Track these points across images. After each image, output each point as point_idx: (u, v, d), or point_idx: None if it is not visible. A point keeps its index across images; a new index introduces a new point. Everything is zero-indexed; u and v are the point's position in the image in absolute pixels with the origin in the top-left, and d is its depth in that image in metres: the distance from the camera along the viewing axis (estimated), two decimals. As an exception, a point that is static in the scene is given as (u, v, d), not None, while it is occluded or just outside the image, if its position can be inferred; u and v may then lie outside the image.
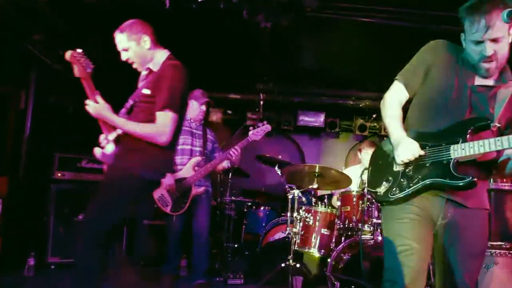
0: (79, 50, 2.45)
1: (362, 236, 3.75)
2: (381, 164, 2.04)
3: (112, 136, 2.54)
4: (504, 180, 4.20)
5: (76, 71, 2.44)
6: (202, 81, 4.01)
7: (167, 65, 2.51)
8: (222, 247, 5.05)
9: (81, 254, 2.40)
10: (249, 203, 5.38)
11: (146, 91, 2.48)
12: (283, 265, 3.91)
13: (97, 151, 2.54)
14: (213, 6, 3.91)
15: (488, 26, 1.73)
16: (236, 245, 5.16)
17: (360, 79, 5.98)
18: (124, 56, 2.59)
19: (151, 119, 2.41)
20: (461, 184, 1.77)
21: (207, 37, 4.73)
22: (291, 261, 3.83)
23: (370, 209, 3.71)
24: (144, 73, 2.65)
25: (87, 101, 2.46)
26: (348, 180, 3.86)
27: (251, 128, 3.79)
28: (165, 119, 2.38)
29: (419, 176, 1.87)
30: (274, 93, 6.32)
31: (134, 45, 2.54)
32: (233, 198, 5.15)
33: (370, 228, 3.70)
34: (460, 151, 1.80)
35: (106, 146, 2.53)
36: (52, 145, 4.81)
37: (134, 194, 2.49)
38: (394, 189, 1.92)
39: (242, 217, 5.37)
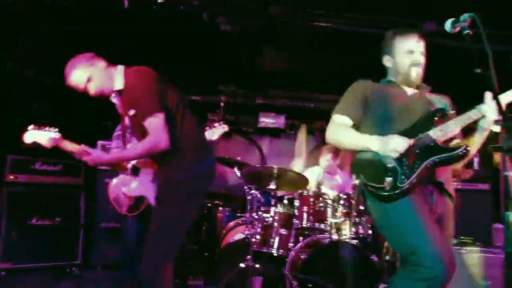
0: (31, 127, 2.54)
1: (319, 235, 3.85)
2: (372, 169, 2.15)
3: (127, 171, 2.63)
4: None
5: (47, 145, 2.53)
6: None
7: (129, 76, 2.52)
8: (182, 249, 5.02)
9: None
10: (209, 205, 5.38)
11: (132, 112, 2.50)
12: (242, 265, 3.95)
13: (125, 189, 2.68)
14: (174, 7, 3.91)
15: (419, 40, 2.30)
16: (196, 247, 5.15)
17: (321, 82, 6.11)
18: (92, 89, 2.59)
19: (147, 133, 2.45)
20: (460, 153, 2.01)
21: (168, 38, 4.71)
22: (250, 261, 3.88)
23: (326, 209, 3.81)
24: (114, 99, 2.65)
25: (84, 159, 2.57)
26: (306, 181, 3.94)
27: (207, 128, 3.77)
28: (154, 126, 2.39)
29: (418, 161, 2.06)
30: (235, 94, 6.35)
31: (93, 71, 2.54)
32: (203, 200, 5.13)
33: (326, 227, 3.79)
34: (439, 132, 2.08)
35: (131, 184, 2.63)
36: (3, 147, 4.64)
37: (193, 197, 2.56)
38: (402, 177, 2.05)
39: (202, 219, 5.36)
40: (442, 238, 2.01)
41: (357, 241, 3.73)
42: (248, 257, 3.89)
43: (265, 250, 3.92)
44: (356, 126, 2.29)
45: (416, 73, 2.30)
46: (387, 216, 2.14)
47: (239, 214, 5.14)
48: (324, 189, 4.05)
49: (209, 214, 5.37)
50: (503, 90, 2.02)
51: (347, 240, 3.68)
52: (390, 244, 2.18)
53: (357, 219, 3.78)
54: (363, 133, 2.23)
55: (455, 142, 2.21)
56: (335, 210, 3.79)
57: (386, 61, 2.42)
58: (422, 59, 2.32)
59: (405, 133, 2.12)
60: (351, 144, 2.23)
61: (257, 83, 6.28)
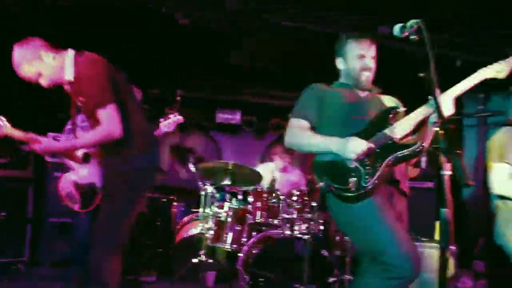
0: None
1: (272, 230, 3.91)
2: (335, 171, 2.16)
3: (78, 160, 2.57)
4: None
5: None
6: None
7: (79, 65, 2.46)
8: (135, 244, 4.95)
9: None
10: (164, 200, 5.34)
11: (83, 101, 2.44)
12: (195, 260, 3.96)
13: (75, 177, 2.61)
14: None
15: (371, 45, 2.36)
16: (149, 242, 5.09)
17: (278, 79, 6.18)
18: (43, 82, 2.51)
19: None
20: (417, 149, 2.06)
21: (125, 31, 4.62)
22: (203, 256, 3.89)
23: (279, 204, 3.87)
24: (66, 87, 2.59)
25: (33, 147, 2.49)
26: (260, 177, 4.00)
27: (161, 120, 3.73)
28: (105, 115, 2.35)
29: (379, 160, 2.09)
30: (193, 89, 6.31)
31: (40, 65, 2.46)
32: (147, 194, 5.07)
33: (279, 223, 3.85)
34: (395, 130, 2.15)
35: (81, 171, 2.56)
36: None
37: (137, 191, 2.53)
38: (365, 177, 2.07)
39: (156, 214, 5.31)
40: (407, 237, 2.06)
41: (309, 236, 3.82)
42: (202, 252, 3.91)
43: (218, 245, 3.94)
44: (313, 129, 2.31)
45: (366, 78, 2.36)
46: (352, 217, 2.14)
47: (193, 210, 5.12)
48: (277, 185, 4.12)
49: (163, 209, 5.33)
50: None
51: (299, 236, 3.76)
52: (356, 245, 2.21)
53: (309, 215, 3.87)
54: (321, 131, 2.27)
55: (410, 138, 2.26)
56: (288, 206, 3.86)
57: (339, 63, 2.47)
58: (372, 64, 2.37)
59: (361, 133, 2.16)
60: (312, 147, 2.25)
61: (215, 78, 6.26)
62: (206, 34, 4.76)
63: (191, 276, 4.19)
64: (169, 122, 3.70)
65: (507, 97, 2.84)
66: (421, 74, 1.73)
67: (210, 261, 3.98)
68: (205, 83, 6.34)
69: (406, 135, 2.20)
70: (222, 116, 6.71)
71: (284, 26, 4.35)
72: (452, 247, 4.07)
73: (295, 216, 3.83)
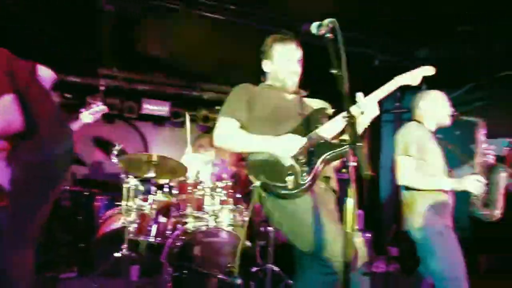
0: None
1: (196, 223, 3.91)
2: (272, 169, 2.15)
3: None
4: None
5: None
6: (39, 60, 3.70)
7: None
8: (54, 240, 4.73)
9: None
10: (86, 193, 5.15)
11: None
12: (118, 255, 3.86)
13: None
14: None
15: (297, 48, 2.41)
16: (69, 237, 4.89)
17: (206, 71, 6.17)
18: None
19: None
20: (350, 148, 2.06)
21: (47, 15, 4.36)
22: (125, 250, 3.81)
23: (204, 196, 3.88)
24: None
25: None
26: (185, 169, 3.98)
27: (83, 109, 3.54)
28: (2, 108, 2.17)
29: (313, 158, 2.12)
30: (117, 78, 6.11)
31: None
32: (67, 187, 4.86)
33: (204, 215, 3.87)
34: (326, 130, 2.19)
35: None
36: None
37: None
38: (303, 175, 2.09)
39: (78, 208, 5.10)
40: (342, 232, 2.08)
41: (233, 227, 3.87)
42: (124, 246, 3.82)
43: (142, 239, 3.88)
44: (242, 129, 2.29)
45: (292, 81, 2.40)
46: (290, 214, 2.13)
47: (117, 203, 4.99)
48: (202, 178, 4.12)
49: (85, 203, 5.14)
50: (365, 91, 2.25)
51: (224, 227, 3.80)
52: (294, 241, 2.16)
53: (234, 206, 3.92)
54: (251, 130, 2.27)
55: (341, 138, 2.33)
56: (212, 198, 3.88)
57: (265, 65, 2.48)
58: (298, 68, 2.42)
59: (292, 134, 2.19)
60: (245, 146, 2.23)
61: (141, 68, 6.12)
62: (131, 22, 4.64)
63: (113, 271, 4.08)
64: (91, 112, 3.51)
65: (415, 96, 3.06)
66: (334, 71, 1.79)
67: (133, 255, 3.92)
68: (131, 72, 6.15)
69: (336, 135, 2.27)
70: (149, 107, 6.56)
71: (212, 20, 4.35)
72: (368, 234, 4.35)
73: (219, 208, 3.86)
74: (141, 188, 4.10)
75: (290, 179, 2.07)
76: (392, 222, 6.10)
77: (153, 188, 4.19)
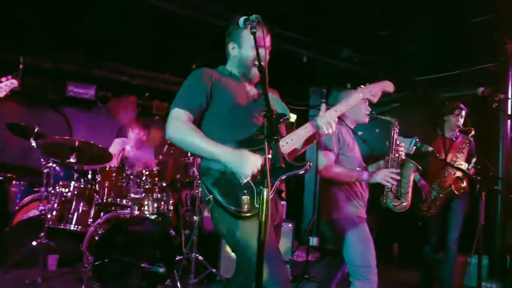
0: None
1: (120, 210, 3.85)
2: (226, 185, 1.98)
3: None
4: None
5: None
6: None
7: None
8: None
9: None
10: (0, 177, 4.84)
11: None
12: (34, 243, 3.70)
13: None
14: None
15: (267, 35, 2.16)
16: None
17: (136, 57, 6.00)
18: None
19: None
20: (305, 169, 2.03)
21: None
22: (43, 239, 3.66)
23: (128, 184, 3.83)
24: None
25: None
26: (110, 156, 3.88)
27: None
28: None
29: (272, 178, 1.90)
30: (40, 57, 5.74)
31: None
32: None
33: (128, 203, 3.81)
34: (286, 145, 2.09)
35: None
36: None
37: None
38: (258, 198, 1.92)
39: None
40: (280, 258, 2.01)
41: (157, 216, 3.86)
42: (42, 234, 3.67)
43: (61, 227, 3.75)
44: (197, 121, 2.12)
45: (254, 72, 2.22)
46: (237, 233, 1.97)
47: (36, 189, 4.75)
48: (129, 163, 4.06)
49: (-1, 188, 4.83)
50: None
51: (148, 216, 3.77)
52: (234, 253, 2.05)
53: (159, 195, 3.90)
54: (204, 130, 2.09)
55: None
56: (137, 186, 3.84)
57: (232, 49, 2.25)
58: (267, 56, 2.13)
59: (249, 140, 2.04)
60: (199, 150, 2.01)
61: (67, 48, 5.81)
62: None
63: (29, 260, 3.91)
64: (1, 86, 3.27)
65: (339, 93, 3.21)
66: (257, 65, 1.83)
67: (52, 243, 3.77)
68: (55, 52, 5.82)
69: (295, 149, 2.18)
70: (74, 90, 6.26)
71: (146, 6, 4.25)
72: (290, 224, 4.52)
73: (144, 196, 3.83)
74: (62, 174, 3.95)
75: (245, 201, 1.91)
76: (313, 213, 6.39)
77: (75, 175, 4.06)
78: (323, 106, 2.22)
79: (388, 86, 2.54)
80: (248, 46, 2.18)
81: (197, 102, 2.09)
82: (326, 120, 2.13)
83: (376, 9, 4.26)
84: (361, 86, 2.47)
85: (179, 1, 4.28)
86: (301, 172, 2.03)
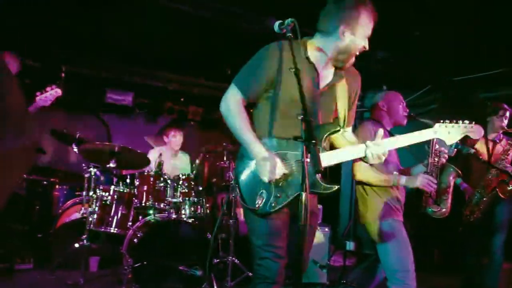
0: None
1: (158, 214, 3.91)
2: (248, 177, 2.01)
3: None
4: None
5: None
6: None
7: None
8: (9, 230, 4.60)
9: None
10: (44, 182, 5.02)
11: None
12: (77, 245, 3.82)
13: None
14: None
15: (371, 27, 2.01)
16: (26, 227, 4.77)
17: (170, 62, 6.10)
18: None
19: None
20: (330, 192, 1.94)
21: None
22: (85, 241, 3.77)
23: (165, 188, 3.89)
24: None
25: None
26: (147, 161, 3.97)
27: (38, 93, 3.43)
28: None
29: (292, 187, 1.91)
30: (78, 64, 5.93)
31: None
32: (24, 176, 4.72)
33: (165, 207, 3.87)
34: (326, 161, 1.96)
35: None
36: None
37: None
38: (271, 202, 1.92)
39: (35, 197, 4.97)
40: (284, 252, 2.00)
41: (194, 220, 3.90)
42: (84, 236, 3.78)
43: (102, 229, 3.85)
44: (252, 105, 2.07)
45: (352, 62, 2.08)
46: (251, 225, 2.04)
47: (78, 193, 4.91)
48: (165, 169, 4.12)
49: (43, 192, 5.01)
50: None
51: (185, 219, 3.82)
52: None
53: (195, 199, 3.94)
54: (255, 113, 2.07)
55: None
56: (174, 190, 3.90)
57: (342, 33, 1.98)
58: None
59: (293, 144, 1.95)
60: (237, 136, 2.00)
61: (104, 55, 5.97)
62: (94, 7, 4.54)
63: (72, 262, 4.03)
64: (46, 95, 3.43)
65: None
66: (292, 69, 1.79)
67: (93, 246, 3.88)
68: (94, 60, 5.99)
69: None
70: (113, 97, 6.44)
71: (177, 11, 4.32)
72: (326, 229, 4.47)
73: (181, 200, 3.88)
74: (102, 178, 4.06)
75: (258, 203, 1.92)
76: (349, 217, 6.30)
77: (115, 179, 4.16)
78: (380, 131, 2.06)
79: (474, 132, 2.17)
80: (361, 35, 1.98)
81: (253, 88, 2.02)
82: (377, 154, 1.99)
83: (411, 9, 4.16)
84: (441, 121, 2.15)
85: (215, 8, 4.32)
86: (326, 192, 1.93)
